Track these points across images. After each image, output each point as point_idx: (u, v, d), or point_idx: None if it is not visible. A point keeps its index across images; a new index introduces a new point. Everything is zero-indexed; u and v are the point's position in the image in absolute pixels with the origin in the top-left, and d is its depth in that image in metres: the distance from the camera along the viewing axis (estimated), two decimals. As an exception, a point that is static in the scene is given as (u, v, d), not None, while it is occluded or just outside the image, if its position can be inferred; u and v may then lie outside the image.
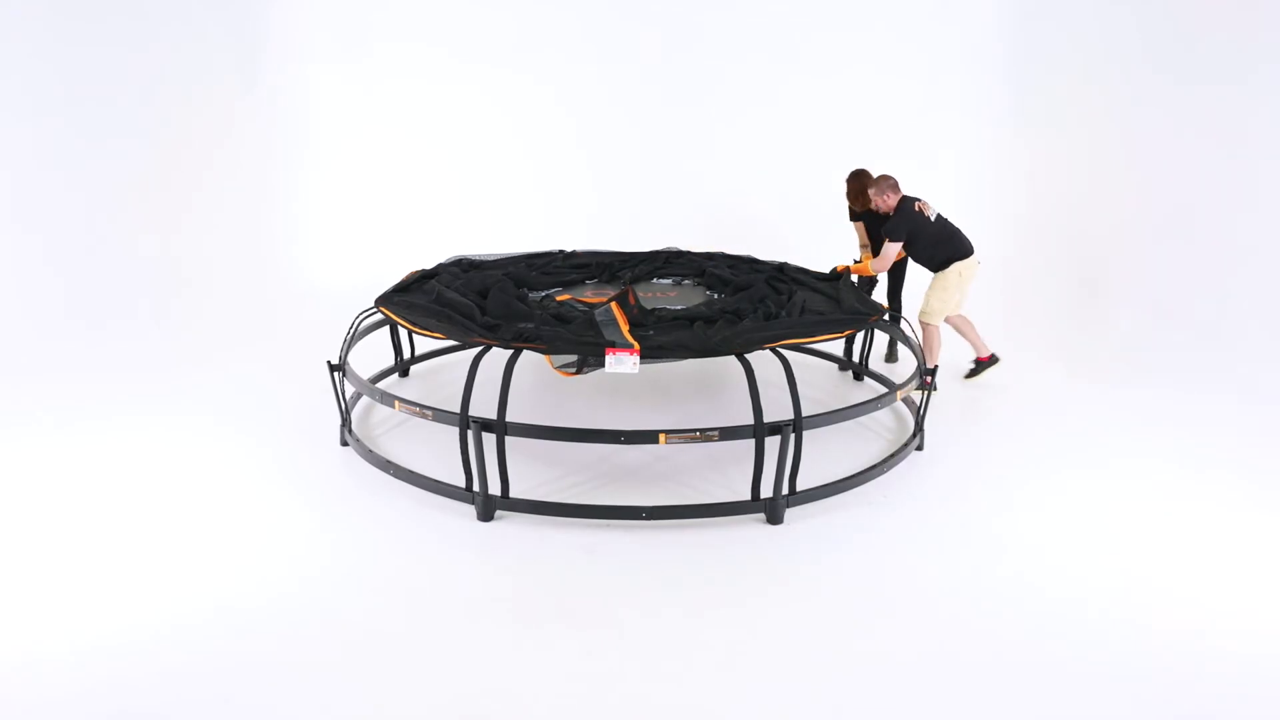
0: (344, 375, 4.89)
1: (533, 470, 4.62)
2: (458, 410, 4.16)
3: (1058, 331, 7.17)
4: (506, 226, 8.68)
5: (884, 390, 5.72)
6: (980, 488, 4.60)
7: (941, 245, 5.53)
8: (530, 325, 4.48)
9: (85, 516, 4.16)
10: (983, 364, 5.94)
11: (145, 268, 7.55)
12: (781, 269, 5.85)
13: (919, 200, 5.68)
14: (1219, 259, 6.71)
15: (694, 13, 8.94)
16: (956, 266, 5.40)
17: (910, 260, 6.06)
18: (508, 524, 4.16)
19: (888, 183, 5.68)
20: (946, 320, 5.72)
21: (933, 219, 5.64)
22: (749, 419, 4.13)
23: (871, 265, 5.73)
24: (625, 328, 4.47)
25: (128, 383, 5.93)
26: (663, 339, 4.39)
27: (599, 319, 4.56)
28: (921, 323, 5.72)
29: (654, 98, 9.05)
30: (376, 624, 3.40)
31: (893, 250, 5.59)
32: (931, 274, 5.79)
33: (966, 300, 5.71)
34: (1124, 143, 7.53)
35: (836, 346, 6.48)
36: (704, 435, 4.11)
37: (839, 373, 6.44)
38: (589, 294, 5.48)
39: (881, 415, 5.51)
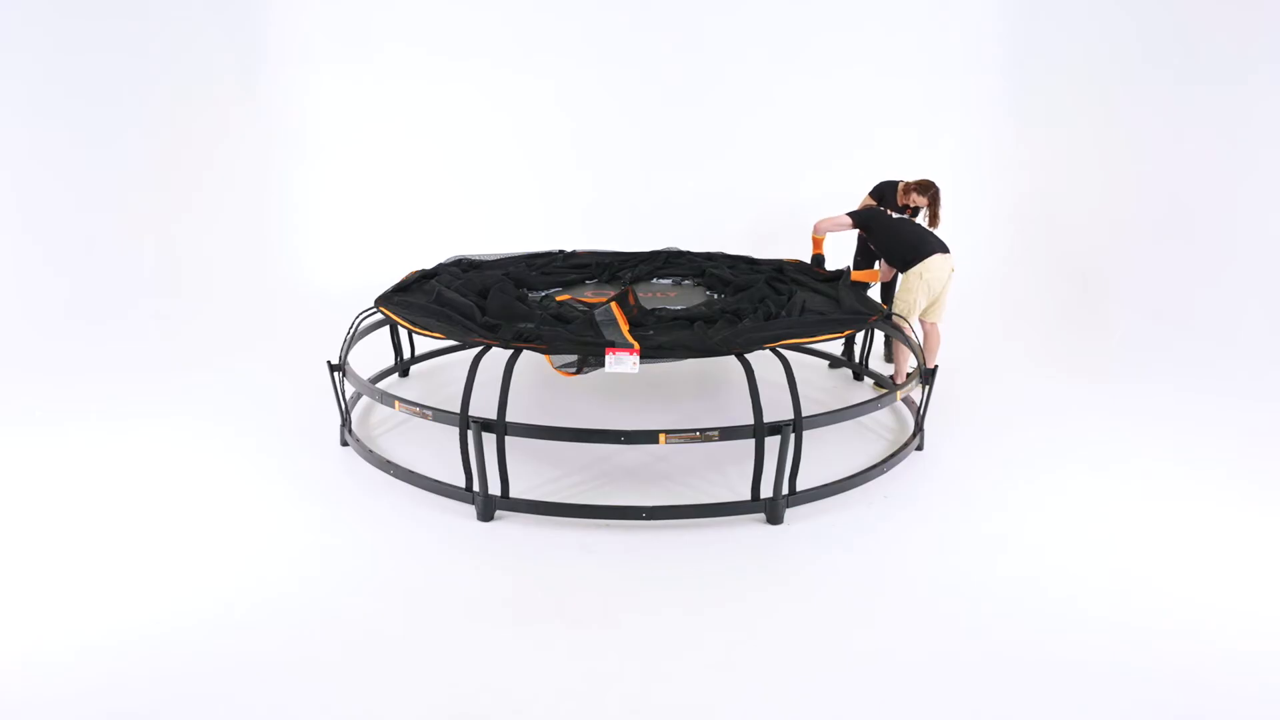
0: (344, 375, 4.89)
1: (533, 470, 4.62)
2: (458, 410, 4.16)
3: (1057, 331, 7.17)
4: (506, 226, 8.69)
5: (884, 390, 5.73)
6: (980, 488, 4.60)
7: (900, 243, 5.59)
8: (530, 325, 4.48)
9: (85, 517, 4.16)
10: (884, 379, 5.95)
11: (145, 268, 7.56)
12: (781, 269, 5.85)
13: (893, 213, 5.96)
14: (1219, 258, 6.71)
15: (694, 13, 8.94)
16: (917, 268, 5.46)
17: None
18: (508, 524, 4.16)
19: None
20: (921, 320, 5.73)
21: (894, 216, 5.83)
22: (749, 419, 4.13)
23: (815, 227, 5.98)
24: (625, 328, 4.47)
25: (127, 383, 5.93)
26: (663, 339, 4.39)
27: (599, 319, 4.56)
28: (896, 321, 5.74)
29: (654, 98, 9.06)
30: (376, 624, 3.40)
31: (839, 219, 5.86)
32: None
33: (944, 308, 5.70)
34: (1124, 142, 7.53)
35: (835, 346, 6.50)
36: (704, 435, 4.11)
37: (829, 370, 6.45)
38: (589, 294, 5.48)
39: (881, 415, 5.51)
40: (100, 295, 7.15)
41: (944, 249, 5.52)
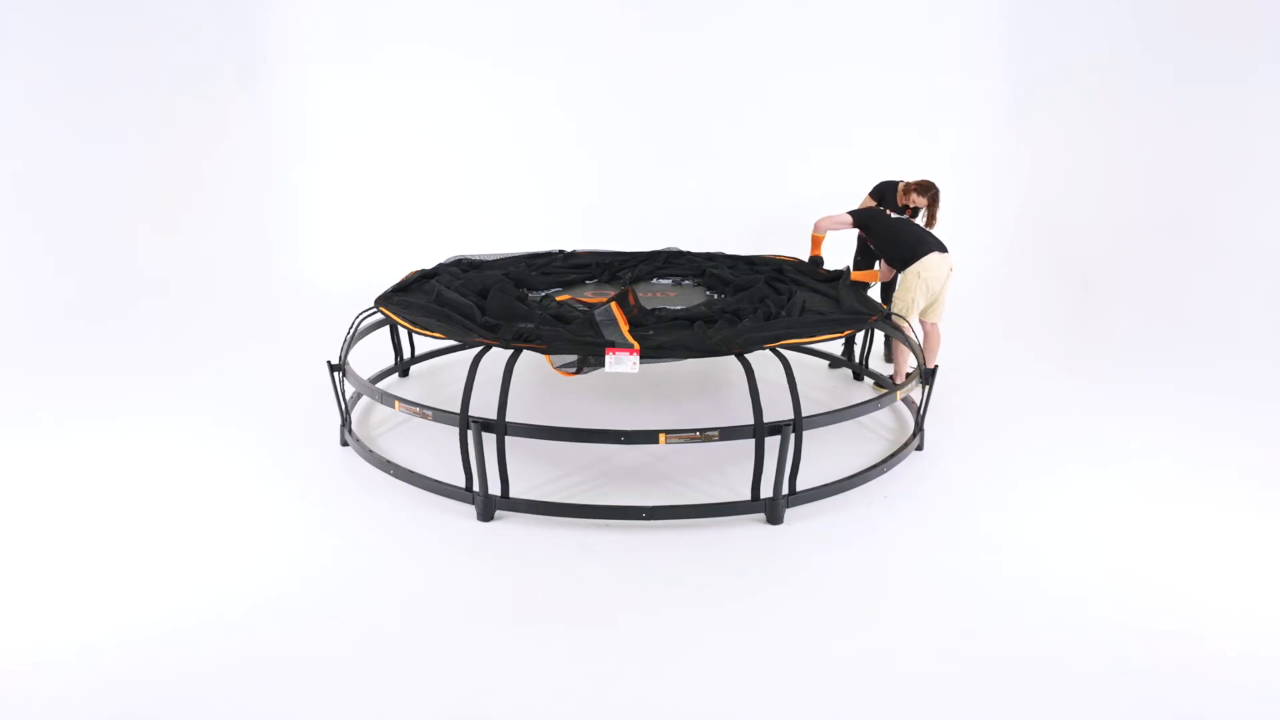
0: (344, 375, 4.89)
1: (533, 470, 4.62)
2: (458, 410, 4.16)
3: (1057, 331, 7.17)
4: (506, 226, 8.69)
5: (884, 390, 5.73)
6: (980, 487, 4.60)
7: (898, 243, 5.61)
8: (530, 325, 4.48)
9: (86, 517, 4.16)
10: (884, 379, 5.95)
11: (145, 268, 7.56)
12: (781, 269, 5.85)
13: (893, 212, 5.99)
14: (1219, 258, 6.70)
15: (694, 12, 8.95)
16: (915, 267, 5.48)
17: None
18: (508, 524, 4.16)
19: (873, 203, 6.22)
20: (921, 320, 5.74)
21: (893, 216, 5.85)
22: (749, 419, 4.13)
23: (816, 225, 5.99)
24: (625, 328, 4.47)
25: (127, 383, 5.93)
26: (663, 339, 4.39)
27: (599, 319, 4.56)
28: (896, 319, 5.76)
29: (654, 97, 9.06)
30: (376, 624, 3.40)
31: (840, 218, 5.89)
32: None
33: (943, 308, 5.70)
34: (1124, 142, 7.53)
35: (836, 346, 6.50)
36: (704, 435, 4.11)
37: (830, 370, 6.45)
38: (589, 294, 5.47)
39: (881, 415, 5.51)
40: (100, 295, 7.15)
41: (941, 248, 5.53)
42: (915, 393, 5.20)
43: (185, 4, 7.94)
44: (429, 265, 6.11)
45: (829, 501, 4.37)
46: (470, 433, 4.11)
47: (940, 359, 5.73)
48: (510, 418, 4.14)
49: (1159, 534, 4.12)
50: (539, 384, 5.92)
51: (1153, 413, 5.59)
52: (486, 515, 4.18)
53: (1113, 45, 7.64)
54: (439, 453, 4.76)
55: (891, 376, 5.85)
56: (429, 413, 4.29)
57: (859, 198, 6.57)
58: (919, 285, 5.49)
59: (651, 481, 4.60)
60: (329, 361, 4.97)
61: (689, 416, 5.45)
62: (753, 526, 4.15)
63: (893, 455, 4.79)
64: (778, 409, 4.44)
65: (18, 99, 6.95)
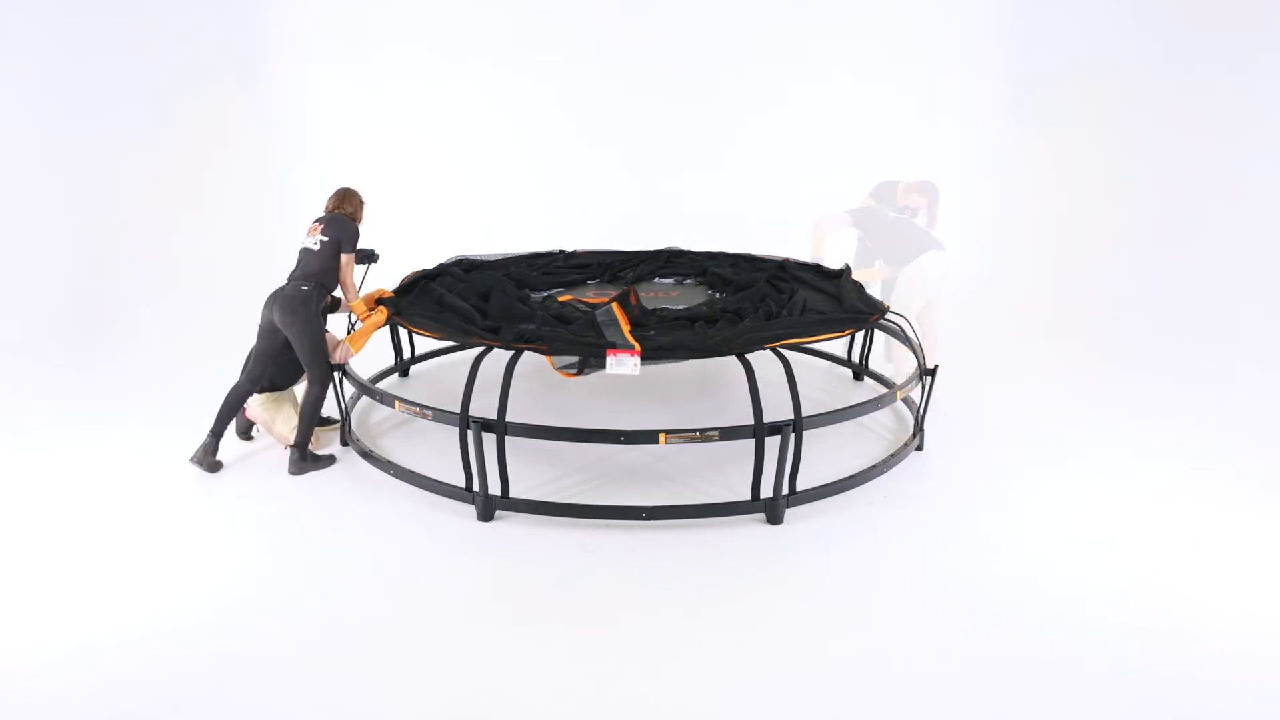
0: (344, 375, 4.89)
1: (533, 470, 4.62)
2: (458, 410, 4.16)
3: (1057, 331, 7.16)
4: (507, 226, 8.69)
5: (884, 390, 5.73)
6: (980, 487, 4.60)
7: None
8: (532, 326, 4.48)
9: (86, 517, 4.16)
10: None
11: (145, 269, 7.56)
12: (783, 267, 5.84)
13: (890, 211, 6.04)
14: (1220, 257, 6.71)
15: (695, 13, 8.95)
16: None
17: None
18: (508, 524, 4.17)
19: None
20: (919, 319, 5.75)
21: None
22: (749, 419, 4.13)
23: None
24: (626, 328, 4.46)
25: (127, 383, 5.93)
26: (664, 339, 4.38)
27: (600, 319, 4.55)
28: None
29: (655, 97, 9.06)
30: (376, 624, 3.40)
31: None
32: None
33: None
34: (1125, 141, 7.53)
35: (835, 346, 6.49)
36: (704, 435, 4.11)
37: (830, 370, 6.44)
38: (591, 294, 5.47)
39: (881, 415, 5.51)
40: (100, 295, 7.15)
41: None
42: (915, 393, 5.20)
43: (185, 4, 7.94)
44: (430, 265, 6.11)
45: (829, 501, 4.37)
46: (470, 433, 4.11)
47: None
48: (510, 418, 4.14)
49: (1158, 534, 4.12)
50: (539, 384, 5.92)
51: (1152, 413, 5.59)
52: (486, 515, 4.18)
53: (1113, 44, 7.63)
54: (439, 453, 4.76)
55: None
56: (429, 413, 4.29)
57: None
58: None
59: (651, 481, 4.60)
60: (329, 361, 4.97)
61: (689, 416, 5.45)
62: (752, 526, 4.15)
63: (893, 455, 4.79)
64: (778, 409, 4.44)
65: (17, 99, 6.96)
